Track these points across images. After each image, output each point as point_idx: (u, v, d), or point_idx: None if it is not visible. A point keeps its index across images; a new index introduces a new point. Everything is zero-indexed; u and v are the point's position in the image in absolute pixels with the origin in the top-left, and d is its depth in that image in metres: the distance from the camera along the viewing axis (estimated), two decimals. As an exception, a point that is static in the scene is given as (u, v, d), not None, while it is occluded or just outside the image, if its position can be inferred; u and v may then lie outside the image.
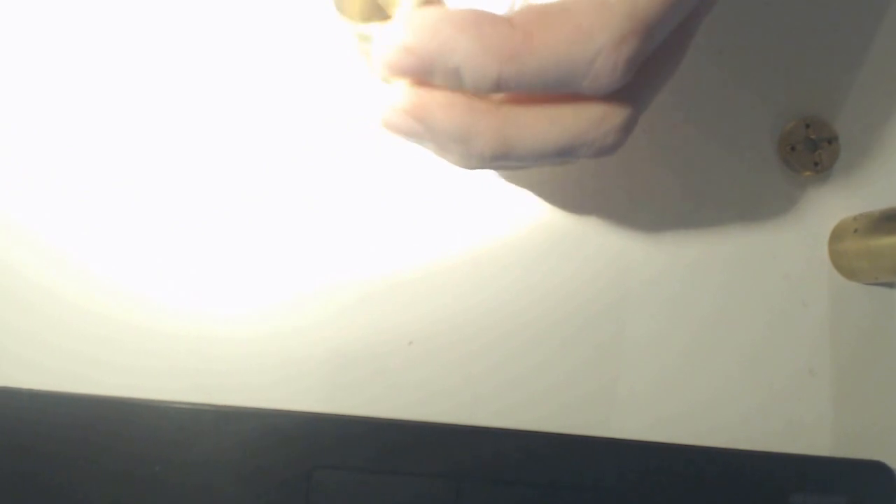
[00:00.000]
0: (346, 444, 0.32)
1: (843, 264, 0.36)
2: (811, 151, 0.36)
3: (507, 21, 0.20)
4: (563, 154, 0.23)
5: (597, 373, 0.34)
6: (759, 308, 0.36)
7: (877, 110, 0.37)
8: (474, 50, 0.19)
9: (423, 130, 0.22)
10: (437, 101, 0.22)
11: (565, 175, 0.35)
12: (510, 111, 0.22)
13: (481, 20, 0.19)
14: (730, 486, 0.34)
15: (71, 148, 0.33)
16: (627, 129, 0.23)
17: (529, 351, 0.34)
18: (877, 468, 0.35)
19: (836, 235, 0.36)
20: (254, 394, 0.33)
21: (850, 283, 0.36)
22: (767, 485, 0.34)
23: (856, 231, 0.35)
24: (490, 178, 0.35)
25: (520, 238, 0.35)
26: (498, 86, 0.20)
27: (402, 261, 0.34)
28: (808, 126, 0.36)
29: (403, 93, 0.21)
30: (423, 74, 0.21)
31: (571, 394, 0.34)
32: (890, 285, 0.36)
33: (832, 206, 0.36)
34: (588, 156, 0.23)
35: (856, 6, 0.38)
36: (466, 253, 0.34)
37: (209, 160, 0.34)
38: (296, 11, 0.34)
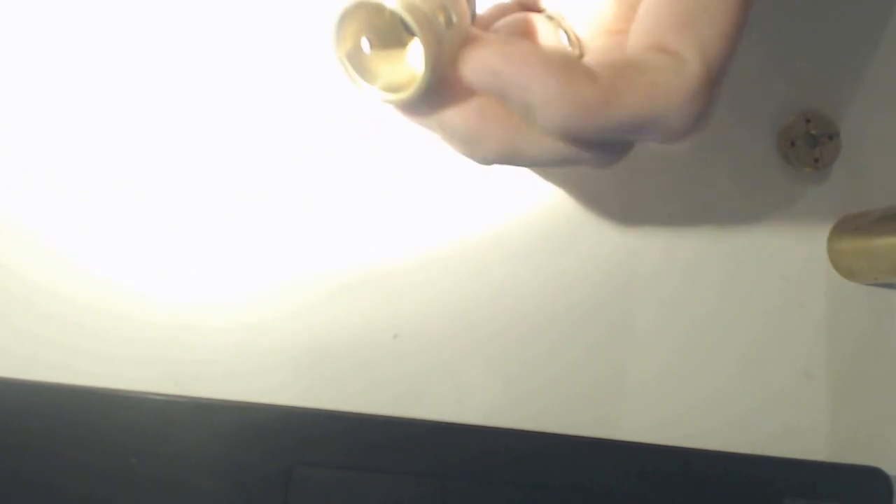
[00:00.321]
0: (328, 440, 0.32)
1: (842, 264, 0.35)
2: (811, 147, 0.36)
3: (592, 74, 0.20)
4: (566, 164, 0.23)
5: (590, 372, 0.34)
6: (755, 308, 0.35)
7: (879, 106, 0.37)
8: (555, 94, 0.19)
9: (435, 124, 0.22)
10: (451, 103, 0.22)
11: (561, 172, 0.35)
12: (521, 123, 0.22)
13: (571, 68, 0.20)
14: (724, 490, 0.33)
15: (55, 142, 0.32)
16: (626, 150, 0.23)
17: (519, 348, 0.33)
18: (873, 474, 0.34)
19: (836, 234, 0.35)
20: (232, 386, 0.32)
21: (848, 283, 0.35)
22: (762, 489, 0.33)
23: (855, 230, 0.34)
24: (486, 169, 0.34)
25: (513, 231, 0.34)
26: (564, 133, 0.21)
27: (389, 250, 0.33)
28: (808, 121, 0.36)
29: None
30: (498, 96, 0.21)
31: (562, 393, 0.33)
32: (889, 286, 0.36)
33: (832, 203, 0.36)
34: (590, 166, 0.23)
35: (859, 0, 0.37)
36: (456, 244, 0.34)
37: (188, 154, 0.33)
38: (296, 11, 0.34)
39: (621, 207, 0.35)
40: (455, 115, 0.22)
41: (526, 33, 0.24)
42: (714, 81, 0.21)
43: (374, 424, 0.32)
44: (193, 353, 0.32)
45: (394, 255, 0.33)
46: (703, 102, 0.21)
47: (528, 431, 0.33)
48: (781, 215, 0.36)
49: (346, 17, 0.21)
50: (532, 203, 0.34)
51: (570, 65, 0.20)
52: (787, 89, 0.36)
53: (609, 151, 0.23)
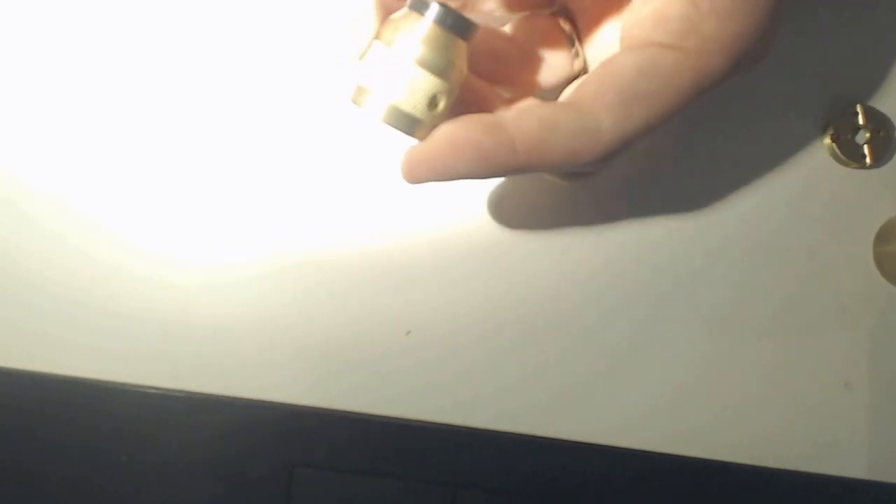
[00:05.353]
0: (332, 441, 0.31)
1: (889, 268, 0.34)
2: (860, 142, 0.34)
3: (510, 143, 0.24)
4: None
5: (613, 378, 0.32)
6: (793, 312, 0.34)
7: (936, 98, 0.35)
8: (479, 167, 0.24)
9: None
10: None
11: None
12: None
13: (484, 143, 0.24)
14: (754, 507, 0.32)
15: (45, 124, 0.31)
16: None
17: (538, 348, 0.32)
18: (917, 494, 0.33)
19: (883, 236, 0.34)
20: (231, 381, 0.31)
21: (894, 288, 0.34)
22: (796, 508, 0.32)
23: (905, 232, 0.33)
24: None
25: (537, 220, 0.33)
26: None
27: (402, 238, 0.32)
28: (857, 113, 0.34)
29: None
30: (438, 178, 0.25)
31: (583, 399, 0.32)
32: (939, 293, 0.34)
33: (880, 202, 0.34)
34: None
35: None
36: (477, 232, 0.32)
37: (187, 135, 0.32)
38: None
39: (653, 205, 0.33)
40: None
41: (542, 33, 0.28)
42: (622, 149, 0.25)
43: (383, 427, 0.31)
44: (192, 346, 0.31)
45: (408, 243, 0.32)
46: (609, 159, 0.25)
47: (546, 438, 0.32)
48: (825, 214, 0.34)
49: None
50: (556, 196, 0.33)
51: (485, 141, 0.24)
52: (835, 79, 0.35)
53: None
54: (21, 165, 0.31)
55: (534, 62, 0.28)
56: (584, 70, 0.28)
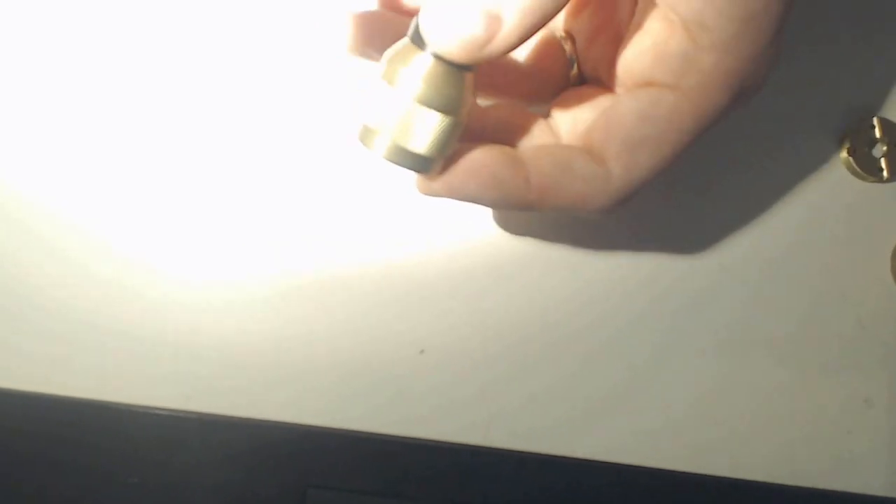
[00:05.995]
0: (346, 462, 0.30)
1: None
2: (877, 155, 0.34)
3: (525, 178, 0.25)
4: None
5: (630, 396, 0.32)
6: (810, 328, 0.33)
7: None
8: (491, 194, 0.25)
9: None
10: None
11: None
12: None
13: (500, 172, 0.24)
14: (772, 526, 0.32)
15: (54, 135, 0.31)
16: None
17: (553, 367, 0.32)
18: (938, 512, 0.32)
19: None
20: (242, 402, 0.30)
21: (913, 303, 0.34)
22: (815, 526, 0.32)
23: (923, 246, 0.32)
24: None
25: (551, 237, 0.32)
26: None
27: (417, 254, 0.32)
28: (874, 126, 0.34)
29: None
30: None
31: (601, 417, 0.32)
32: (959, 308, 0.33)
33: None
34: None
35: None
36: (488, 252, 0.32)
37: (196, 150, 0.31)
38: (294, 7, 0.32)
39: (664, 220, 0.33)
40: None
41: (540, 45, 0.29)
42: (632, 195, 0.25)
43: (396, 447, 0.30)
44: (203, 367, 0.30)
45: (421, 261, 0.31)
46: (618, 205, 0.26)
47: (564, 458, 0.31)
48: (842, 228, 0.34)
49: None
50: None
51: (502, 174, 0.25)
52: (851, 92, 0.34)
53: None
54: (27, 182, 0.30)
55: (529, 74, 0.28)
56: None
